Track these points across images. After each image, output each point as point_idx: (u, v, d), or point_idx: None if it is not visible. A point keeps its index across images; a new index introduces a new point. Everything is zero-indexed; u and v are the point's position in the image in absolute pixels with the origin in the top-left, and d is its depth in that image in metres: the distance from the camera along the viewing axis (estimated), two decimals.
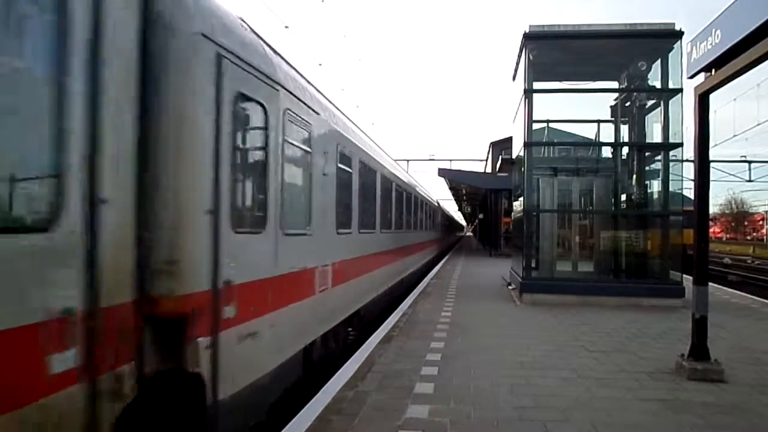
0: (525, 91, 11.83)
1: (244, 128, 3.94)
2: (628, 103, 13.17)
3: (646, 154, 12.74)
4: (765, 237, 73.80)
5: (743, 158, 36.82)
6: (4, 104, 2.26)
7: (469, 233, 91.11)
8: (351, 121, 8.49)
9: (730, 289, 15.07)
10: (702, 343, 5.92)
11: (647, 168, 12.67)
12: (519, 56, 12.39)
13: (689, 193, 8.57)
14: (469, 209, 65.68)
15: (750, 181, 37.78)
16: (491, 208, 32.82)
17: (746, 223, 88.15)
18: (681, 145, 11.40)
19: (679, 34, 10.99)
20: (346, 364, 6.13)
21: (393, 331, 8.07)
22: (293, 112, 4.84)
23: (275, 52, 4.82)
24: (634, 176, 12.55)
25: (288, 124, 4.70)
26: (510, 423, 4.40)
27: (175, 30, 3.21)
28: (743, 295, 13.36)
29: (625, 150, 13.33)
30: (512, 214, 19.17)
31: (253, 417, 4.12)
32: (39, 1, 2.41)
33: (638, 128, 12.90)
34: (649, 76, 12.28)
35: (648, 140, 12.63)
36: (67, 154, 2.43)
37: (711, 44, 5.77)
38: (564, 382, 5.57)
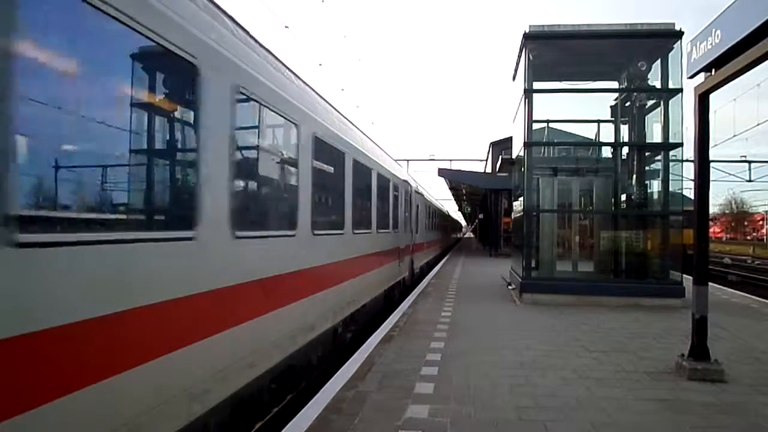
0: (525, 91, 11.83)
1: None
2: (628, 103, 13.16)
3: (646, 154, 12.73)
4: (765, 237, 73.79)
5: (743, 158, 36.87)
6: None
7: (470, 233, 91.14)
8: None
9: (730, 289, 15.07)
10: (702, 343, 5.91)
11: (647, 168, 12.66)
12: (519, 56, 12.39)
13: (689, 193, 8.56)
14: (469, 209, 65.72)
15: (750, 181, 37.84)
16: (491, 208, 32.82)
17: (746, 223, 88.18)
18: (681, 145, 11.40)
19: (679, 34, 10.99)
20: (346, 364, 6.13)
21: (393, 330, 8.07)
22: None
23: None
24: (634, 176, 12.54)
25: None
26: (510, 423, 4.40)
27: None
28: (743, 295, 13.35)
29: (625, 150, 13.32)
30: (512, 214, 19.16)
31: None
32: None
33: (638, 128, 12.89)
34: (649, 76, 12.27)
35: (648, 140, 12.62)
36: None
37: (711, 44, 5.76)
38: (564, 382, 5.57)
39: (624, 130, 13.67)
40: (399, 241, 12.66)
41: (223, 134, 3.97)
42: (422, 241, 18.73)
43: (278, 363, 4.92)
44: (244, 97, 4.31)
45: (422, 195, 19.19)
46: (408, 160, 45.78)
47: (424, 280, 15.65)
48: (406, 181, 14.13)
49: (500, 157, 34.40)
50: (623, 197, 13.11)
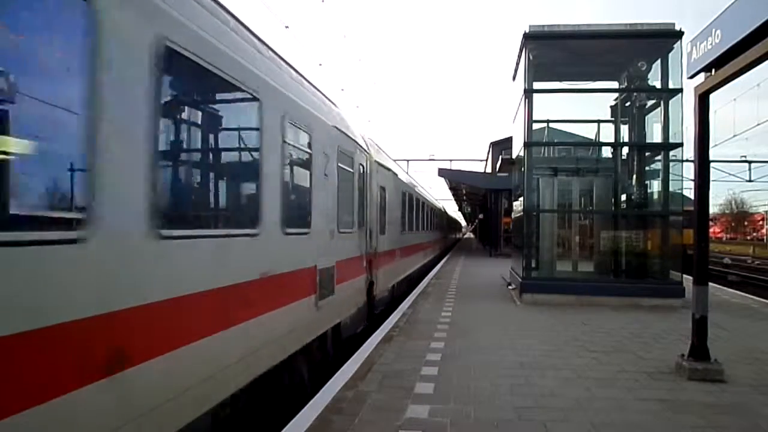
0: (525, 91, 11.83)
1: None
2: (628, 103, 13.17)
3: (646, 154, 12.75)
4: (765, 237, 73.82)
5: (743, 158, 36.86)
6: None
7: (470, 234, 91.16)
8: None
9: (730, 289, 15.07)
10: (702, 343, 5.91)
11: (647, 168, 12.68)
12: (519, 56, 12.39)
13: (689, 193, 8.57)
14: (469, 209, 65.74)
15: (750, 181, 37.84)
16: (491, 208, 32.83)
17: (746, 223, 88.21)
18: (681, 145, 11.41)
19: (679, 34, 11.00)
20: (346, 364, 6.13)
21: (393, 331, 8.08)
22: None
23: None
24: (634, 176, 12.56)
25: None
26: (510, 423, 4.40)
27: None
28: (743, 295, 13.36)
29: (625, 150, 13.34)
30: (512, 214, 19.17)
31: None
32: None
33: (638, 128, 12.91)
34: (649, 76, 12.28)
35: (648, 140, 12.64)
36: None
37: (711, 44, 5.76)
38: (564, 382, 5.57)
39: (624, 130, 13.69)
40: (322, 252, 6.35)
41: (135, 96, 2.96)
42: (395, 247, 11.88)
43: None
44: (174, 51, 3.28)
45: (392, 172, 11.75)
46: (408, 160, 45.85)
47: (423, 281, 15.59)
48: (346, 136, 7.58)
49: (500, 157, 34.41)
50: (623, 197, 13.12)
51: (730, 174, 37.56)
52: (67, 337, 2.44)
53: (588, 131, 15.62)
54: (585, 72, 13.50)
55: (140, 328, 3.00)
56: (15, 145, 2.30)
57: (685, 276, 10.96)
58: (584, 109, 14.06)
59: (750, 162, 36.81)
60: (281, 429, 4.23)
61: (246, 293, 4.29)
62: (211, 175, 4.30)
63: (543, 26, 11.78)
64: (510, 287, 13.52)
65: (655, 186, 12.55)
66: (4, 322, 2.13)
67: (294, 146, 5.43)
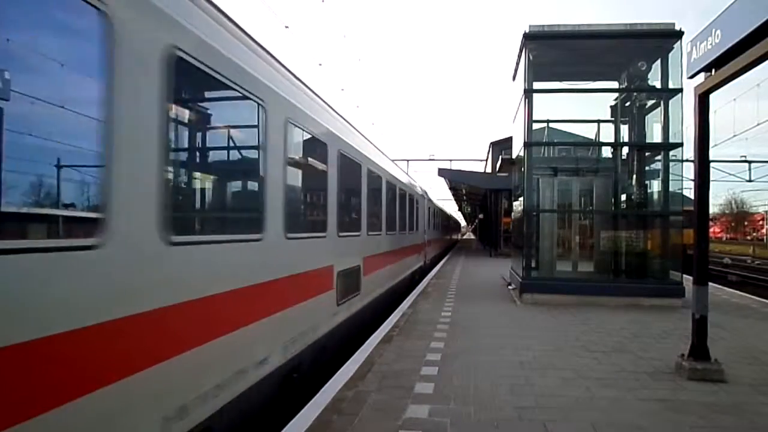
0: (525, 91, 11.83)
1: None
2: (628, 103, 13.17)
3: (646, 154, 12.74)
4: (765, 237, 73.84)
5: (743, 158, 36.83)
6: None
7: (470, 234, 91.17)
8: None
9: (730, 289, 15.07)
10: (702, 343, 5.92)
11: (647, 168, 12.67)
12: (519, 56, 12.39)
13: (689, 193, 8.56)
14: (469, 209, 65.75)
15: (750, 181, 37.78)
16: (491, 208, 32.83)
17: (746, 223, 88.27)
18: (681, 145, 11.41)
19: (679, 34, 11.01)
20: (346, 364, 6.13)
21: (393, 331, 8.07)
22: None
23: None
24: (634, 176, 12.56)
25: None
26: (510, 423, 4.40)
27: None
28: (743, 295, 13.36)
29: (625, 150, 13.33)
30: (512, 214, 19.17)
31: None
32: None
33: (638, 128, 12.91)
34: (649, 76, 12.28)
35: (648, 140, 12.64)
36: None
37: (711, 44, 5.77)
38: (564, 382, 5.57)
39: (624, 130, 13.68)
40: None
41: None
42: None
43: None
44: None
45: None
46: (408, 160, 45.82)
47: (423, 281, 15.58)
48: None
49: (500, 157, 34.39)
50: (623, 197, 13.12)
51: (730, 174, 37.55)
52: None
53: (588, 131, 15.63)
54: (585, 72, 13.49)
55: None
56: None
57: (685, 276, 10.96)
58: (584, 109, 14.06)
59: (750, 162, 36.78)
60: (281, 429, 4.23)
61: None
62: None
63: (543, 26, 11.77)
64: (510, 287, 13.52)
65: (655, 186, 12.55)
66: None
67: None
